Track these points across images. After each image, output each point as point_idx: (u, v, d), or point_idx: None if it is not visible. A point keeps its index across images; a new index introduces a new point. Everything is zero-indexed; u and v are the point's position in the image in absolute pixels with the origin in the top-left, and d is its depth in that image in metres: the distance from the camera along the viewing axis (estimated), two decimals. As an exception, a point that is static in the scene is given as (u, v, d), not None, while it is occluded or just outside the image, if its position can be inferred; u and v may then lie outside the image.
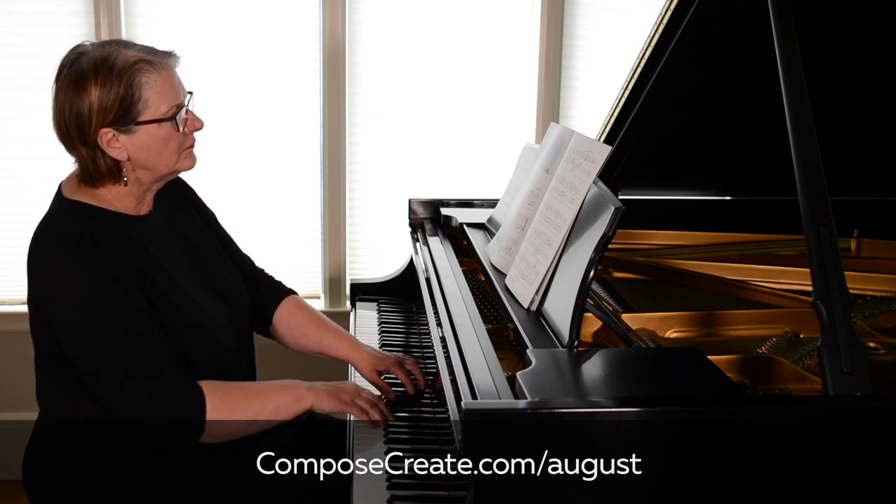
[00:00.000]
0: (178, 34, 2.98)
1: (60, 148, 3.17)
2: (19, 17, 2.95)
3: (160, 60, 1.65)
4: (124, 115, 1.61)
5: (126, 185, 1.68)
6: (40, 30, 2.96)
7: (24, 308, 3.08)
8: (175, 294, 1.70)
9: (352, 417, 1.83)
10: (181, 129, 1.68)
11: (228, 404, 1.64)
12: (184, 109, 1.68)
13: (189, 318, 1.72)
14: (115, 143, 1.63)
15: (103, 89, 1.59)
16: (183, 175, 1.83)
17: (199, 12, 3.00)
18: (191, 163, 1.74)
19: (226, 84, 3.02)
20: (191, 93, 1.70)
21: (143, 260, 1.67)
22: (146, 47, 1.66)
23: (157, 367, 1.60)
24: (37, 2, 2.94)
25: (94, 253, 1.61)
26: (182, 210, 1.88)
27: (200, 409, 1.61)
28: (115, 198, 1.70)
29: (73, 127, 1.62)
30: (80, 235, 1.62)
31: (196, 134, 1.74)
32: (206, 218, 1.95)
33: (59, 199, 1.71)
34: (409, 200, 2.51)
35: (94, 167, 1.65)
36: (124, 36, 2.96)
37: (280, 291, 2.04)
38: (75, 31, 2.97)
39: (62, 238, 1.63)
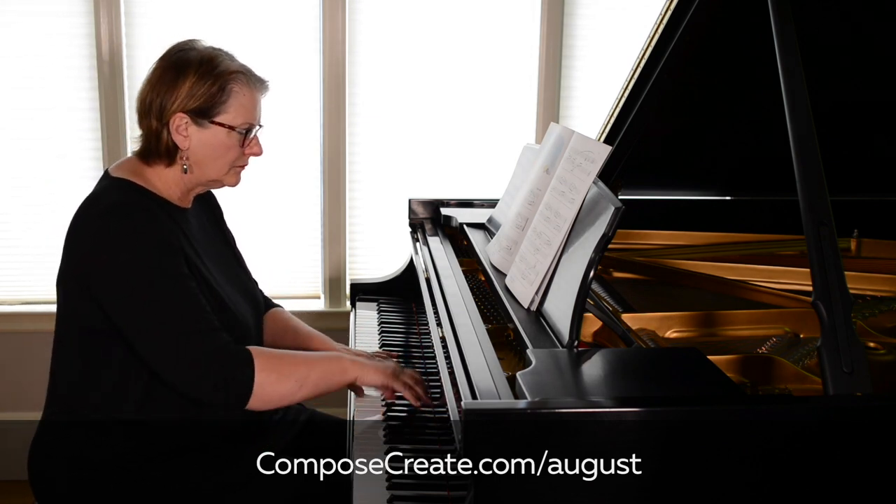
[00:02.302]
0: (177, 35, 2.97)
1: (61, 148, 3.18)
2: (19, 17, 2.95)
3: (255, 82, 1.77)
4: (205, 110, 1.71)
5: (186, 172, 1.75)
6: (40, 30, 2.96)
7: (25, 308, 3.13)
8: (213, 283, 1.76)
9: (352, 417, 1.84)
10: (243, 146, 1.76)
11: (276, 367, 1.67)
12: (253, 131, 1.77)
13: (225, 309, 1.76)
14: (183, 130, 1.72)
15: (199, 81, 1.70)
16: None
17: (199, 13, 3.00)
18: (235, 180, 1.82)
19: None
20: (261, 125, 1.80)
21: (186, 245, 1.73)
22: (247, 67, 1.78)
23: (210, 330, 1.64)
24: (37, 2, 2.94)
25: (144, 223, 1.66)
26: (211, 219, 1.95)
27: (250, 368, 1.64)
28: (163, 184, 1.77)
29: (156, 104, 1.72)
30: (130, 206, 1.69)
31: None
32: (228, 235, 2.02)
33: (107, 178, 1.77)
34: (409, 200, 2.51)
35: (157, 142, 1.73)
36: (124, 36, 2.97)
37: (267, 305, 2.10)
38: (75, 30, 2.97)
39: (112, 209, 1.68)
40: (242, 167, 1.82)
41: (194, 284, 1.68)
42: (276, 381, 1.66)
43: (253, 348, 1.68)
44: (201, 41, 1.78)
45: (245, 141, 1.76)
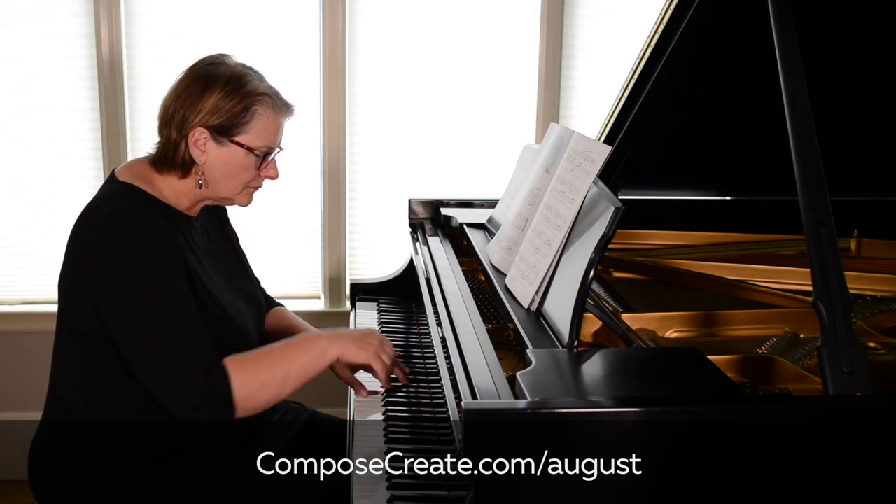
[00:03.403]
0: (177, 34, 2.99)
1: (61, 148, 3.18)
2: (19, 17, 2.95)
3: (281, 106, 1.75)
4: (226, 128, 1.70)
5: (201, 187, 1.74)
6: (40, 30, 2.96)
7: (26, 308, 3.14)
8: (215, 292, 1.75)
9: (352, 417, 1.84)
10: (259, 168, 1.75)
11: (256, 378, 1.64)
12: (272, 155, 1.76)
13: (226, 316, 1.75)
14: (201, 145, 1.70)
15: (225, 98, 1.68)
16: None
17: (199, 13, 3.00)
18: (247, 201, 1.81)
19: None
20: (282, 148, 1.79)
21: (189, 254, 1.72)
22: (275, 90, 1.76)
23: (193, 349, 1.62)
24: (37, 2, 2.94)
25: (147, 231, 1.65)
26: (216, 223, 1.93)
27: (227, 389, 1.61)
28: (171, 193, 1.75)
29: (179, 114, 1.70)
30: (134, 213, 1.67)
31: None
32: (231, 236, 2.00)
33: (113, 182, 1.75)
34: (409, 200, 2.51)
35: (174, 153, 1.71)
36: (124, 36, 2.97)
37: (269, 304, 2.09)
38: (75, 30, 2.97)
39: (116, 215, 1.66)
40: (256, 188, 1.80)
41: (189, 298, 1.66)
42: (257, 390, 1.63)
43: (229, 362, 1.63)
44: (233, 56, 1.76)
45: (262, 164, 1.75)
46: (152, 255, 1.64)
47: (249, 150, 1.72)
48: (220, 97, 1.68)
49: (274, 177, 1.79)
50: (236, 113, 1.69)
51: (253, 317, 1.88)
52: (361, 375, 1.90)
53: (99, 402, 1.70)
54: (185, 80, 1.72)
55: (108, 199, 1.71)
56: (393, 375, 1.84)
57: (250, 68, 1.75)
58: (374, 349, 1.75)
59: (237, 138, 1.71)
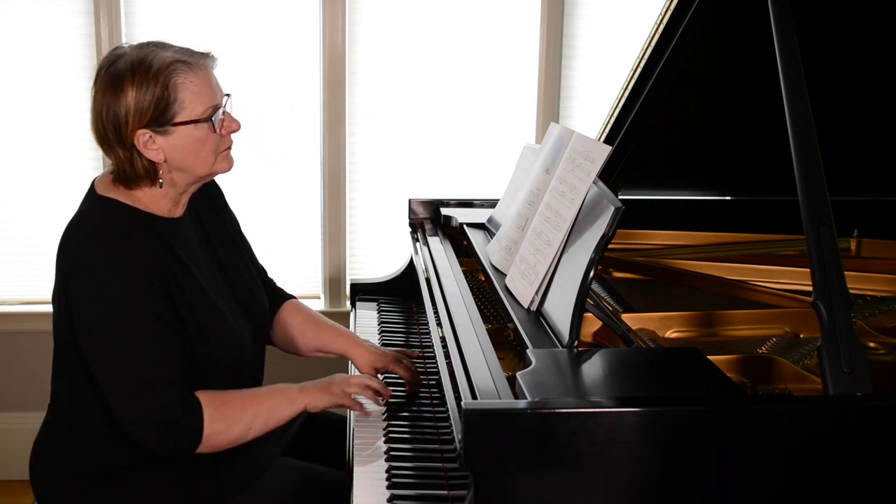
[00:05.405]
0: (178, 35, 2.98)
1: (61, 148, 3.18)
2: (20, 18, 2.95)
3: (197, 61, 1.65)
4: (160, 116, 1.61)
5: (161, 188, 1.68)
6: (40, 30, 2.96)
7: (26, 308, 3.14)
8: (202, 303, 1.70)
9: (352, 415, 1.84)
10: (217, 130, 1.67)
11: (225, 415, 1.64)
12: (220, 111, 1.68)
13: (214, 327, 1.71)
14: (151, 145, 1.63)
15: (139, 90, 1.59)
16: None
17: (200, 13, 3.00)
18: (228, 165, 1.73)
19: (226, 85, 3.02)
20: (228, 95, 1.70)
21: (174, 265, 1.67)
22: (183, 48, 1.66)
23: (165, 380, 1.59)
24: (37, 2, 2.94)
25: (126, 254, 1.60)
26: (210, 213, 1.87)
27: (199, 422, 1.61)
28: (151, 199, 1.70)
29: (110, 129, 1.62)
30: (113, 234, 1.62)
31: None
32: (231, 223, 1.94)
33: (93, 197, 1.70)
34: (409, 200, 2.51)
35: (132, 169, 1.65)
36: (124, 37, 2.97)
37: (281, 297, 2.05)
38: (75, 31, 2.97)
39: (95, 235, 1.62)
40: (228, 149, 1.72)
41: (166, 326, 1.61)
42: (224, 429, 1.63)
43: (203, 396, 1.63)
44: (126, 44, 1.66)
45: (217, 125, 1.67)
46: (131, 282, 1.59)
47: (196, 121, 1.63)
48: (135, 92, 1.59)
49: (237, 129, 1.70)
50: (160, 97, 1.59)
51: (252, 326, 1.84)
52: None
53: (96, 408, 1.68)
54: (97, 95, 1.63)
55: (87, 217, 1.66)
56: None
57: (147, 44, 1.65)
58: (337, 390, 1.75)
59: (177, 119, 1.62)
